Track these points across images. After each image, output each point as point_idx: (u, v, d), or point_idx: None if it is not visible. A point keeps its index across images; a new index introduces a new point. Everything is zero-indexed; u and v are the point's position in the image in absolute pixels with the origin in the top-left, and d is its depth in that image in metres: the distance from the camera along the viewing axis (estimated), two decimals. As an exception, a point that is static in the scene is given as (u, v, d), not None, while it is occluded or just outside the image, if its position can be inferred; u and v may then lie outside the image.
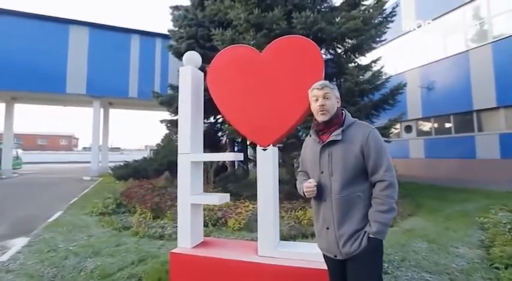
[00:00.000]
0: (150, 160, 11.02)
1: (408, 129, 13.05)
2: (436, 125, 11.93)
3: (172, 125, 8.67)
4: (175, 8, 8.91)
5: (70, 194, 7.70)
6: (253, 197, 5.70)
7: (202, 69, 2.68)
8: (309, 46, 2.14)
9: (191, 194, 2.37)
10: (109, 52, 13.75)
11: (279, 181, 2.33)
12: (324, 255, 1.56)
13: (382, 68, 6.80)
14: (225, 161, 9.88)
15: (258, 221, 2.20)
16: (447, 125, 11.42)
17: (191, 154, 2.41)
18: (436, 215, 4.97)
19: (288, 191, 5.39)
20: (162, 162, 10.20)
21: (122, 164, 11.37)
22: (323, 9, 6.56)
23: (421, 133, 12.57)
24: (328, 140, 1.44)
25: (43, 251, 3.29)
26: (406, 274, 2.63)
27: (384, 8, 6.59)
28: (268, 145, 2.20)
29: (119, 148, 48.84)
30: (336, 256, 1.43)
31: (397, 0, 9.45)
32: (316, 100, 1.50)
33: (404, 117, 8.33)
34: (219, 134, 9.42)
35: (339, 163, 1.40)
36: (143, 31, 14.73)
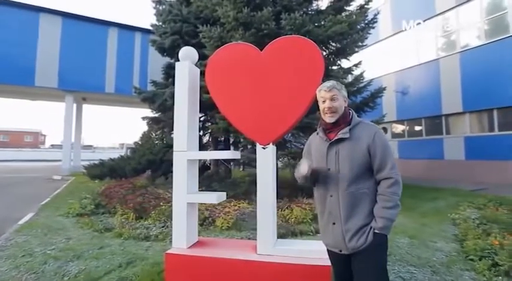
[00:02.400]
0: (128, 159, 10.57)
1: (384, 131, 13.71)
2: (408, 127, 12.65)
3: (154, 122, 8.39)
4: (158, 2, 8.64)
5: (40, 195, 7.16)
6: (238, 196, 5.70)
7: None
8: (310, 46, 2.18)
9: (187, 192, 2.32)
10: (84, 44, 12.92)
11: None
12: (328, 250, 1.60)
13: (363, 72, 7.10)
14: (206, 160, 9.74)
15: (257, 219, 2.20)
16: (419, 128, 12.16)
17: (188, 152, 2.36)
18: (413, 212, 5.27)
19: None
20: (141, 161, 9.83)
21: (96, 162, 10.79)
22: (310, 12, 6.71)
23: (395, 135, 13.26)
24: (336, 138, 1.48)
25: (17, 256, 3.03)
26: (393, 268, 2.77)
27: (366, 14, 6.90)
28: (268, 144, 2.22)
29: (91, 146, 46.29)
30: (341, 251, 1.48)
31: (378, 7, 9.90)
32: (324, 101, 1.53)
33: (383, 120, 8.74)
34: (201, 132, 9.28)
35: (346, 160, 1.44)
36: (122, 24, 14.04)
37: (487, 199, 5.69)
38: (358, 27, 6.65)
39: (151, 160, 9.50)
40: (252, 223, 4.36)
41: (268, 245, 2.13)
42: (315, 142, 1.63)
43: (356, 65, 7.15)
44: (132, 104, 17.28)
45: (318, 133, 1.61)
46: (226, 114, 2.38)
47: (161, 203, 4.82)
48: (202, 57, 5.03)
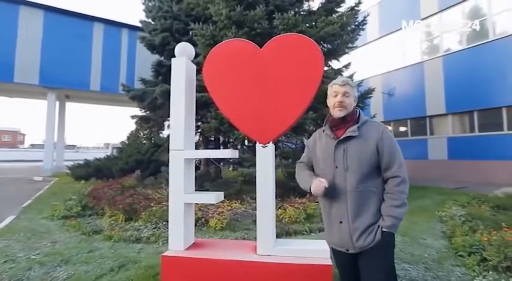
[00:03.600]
0: (115, 159, 10.27)
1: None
2: (394, 128, 13.00)
3: (143, 121, 8.18)
4: (148, -2, 8.42)
5: (21, 196, 6.81)
6: (230, 196, 5.64)
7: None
8: (310, 44, 2.17)
9: (185, 192, 2.25)
10: (68, 40, 12.39)
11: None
12: (333, 250, 1.59)
13: (354, 73, 7.21)
14: (195, 160, 9.60)
15: (257, 219, 2.16)
16: (404, 128, 12.51)
17: (185, 151, 2.29)
18: (402, 210, 5.40)
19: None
20: (129, 161, 9.58)
21: (81, 162, 10.42)
22: (302, 12, 6.74)
23: (382, 135, 13.57)
24: (344, 136, 1.47)
25: (-2, 263, 2.86)
26: (388, 265, 2.81)
27: (357, 15, 7.01)
28: (268, 142, 2.19)
29: (74, 146, 44.68)
30: (348, 250, 1.47)
31: (367, 9, 10.10)
32: (336, 96, 1.53)
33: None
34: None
35: (354, 158, 1.44)
36: (108, 20, 13.58)
37: (470, 197, 5.90)
38: (349, 28, 6.75)
39: (139, 160, 9.29)
40: (245, 223, 4.33)
41: (268, 245, 2.10)
42: (321, 139, 1.62)
43: (346, 66, 7.25)
44: (117, 103, 16.80)
45: (324, 130, 1.60)
46: (226, 112, 2.33)
47: (152, 204, 4.69)
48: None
